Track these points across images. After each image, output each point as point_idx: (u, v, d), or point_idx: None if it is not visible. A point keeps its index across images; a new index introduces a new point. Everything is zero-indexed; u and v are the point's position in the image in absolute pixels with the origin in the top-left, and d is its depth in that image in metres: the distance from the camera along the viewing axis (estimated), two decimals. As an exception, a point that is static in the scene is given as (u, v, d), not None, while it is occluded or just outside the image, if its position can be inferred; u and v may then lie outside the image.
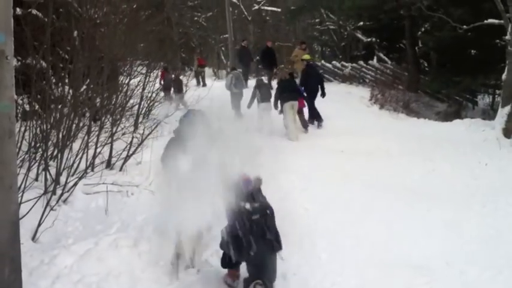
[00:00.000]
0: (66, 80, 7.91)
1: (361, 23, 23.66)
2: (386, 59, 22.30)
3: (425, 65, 21.53)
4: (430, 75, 19.62)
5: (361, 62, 21.79)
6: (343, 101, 15.80)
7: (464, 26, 13.93)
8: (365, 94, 17.94)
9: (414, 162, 9.57)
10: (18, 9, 9.15)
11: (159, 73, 15.41)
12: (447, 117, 16.17)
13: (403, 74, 20.60)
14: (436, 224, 6.14)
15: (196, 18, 44.43)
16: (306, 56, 14.69)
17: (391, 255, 5.06)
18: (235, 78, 14.05)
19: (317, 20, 31.02)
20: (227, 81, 14.24)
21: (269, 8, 38.30)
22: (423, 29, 20.13)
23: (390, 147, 11.02)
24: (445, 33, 16.02)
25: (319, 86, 13.13)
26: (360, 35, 24.64)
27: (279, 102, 11.87)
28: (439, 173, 8.91)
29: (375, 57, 22.37)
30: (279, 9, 35.05)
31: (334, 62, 22.41)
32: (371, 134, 12.37)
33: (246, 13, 39.78)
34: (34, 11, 8.73)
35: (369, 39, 23.69)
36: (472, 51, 16.87)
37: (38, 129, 7.05)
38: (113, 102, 9.30)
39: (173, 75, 17.07)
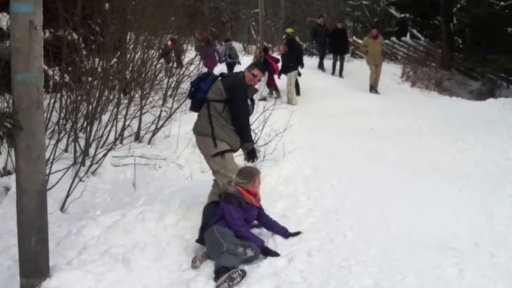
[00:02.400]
0: (97, 53, 7.94)
1: (395, -1, 23.19)
2: (419, 35, 21.85)
3: (460, 42, 20.99)
4: (464, 52, 19.14)
5: (394, 39, 21.41)
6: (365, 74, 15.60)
7: (502, 3, 13.51)
8: (397, 71, 17.65)
9: (445, 142, 9.39)
10: (49, -19, 9.20)
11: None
12: (481, 96, 15.82)
13: (437, 51, 20.15)
14: (466, 205, 6.01)
15: (227, -7, 44.13)
16: (289, 30, 16.91)
17: (419, 235, 4.97)
18: (229, 49, 16.11)
19: (350, -5, 30.47)
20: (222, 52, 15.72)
21: (301, -18, 37.79)
22: (458, 5, 19.60)
23: (421, 126, 10.86)
24: (482, 10, 15.59)
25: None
26: (393, 11, 24.15)
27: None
28: (471, 153, 8.73)
29: (408, 34, 21.94)
30: (311, -16, 34.50)
31: (365, 38, 22.02)
32: (401, 112, 12.21)
33: (277, -13, 39.35)
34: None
35: (402, 15, 23.21)
36: (509, 28, 16.37)
37: (68, 100, 7.09)
38: (143, 75, 9.32)
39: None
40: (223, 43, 17.08)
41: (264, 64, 12.66)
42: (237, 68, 14.37)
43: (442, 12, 19.19)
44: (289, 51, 13.62)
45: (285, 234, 4.92)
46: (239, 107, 5.26)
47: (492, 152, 8.65)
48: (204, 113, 5.33)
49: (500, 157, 8.35)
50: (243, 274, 4.13)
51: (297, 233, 4.95)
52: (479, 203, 6.11)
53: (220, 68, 13.75)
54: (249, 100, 5.42)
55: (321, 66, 18.40)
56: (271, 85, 13.73)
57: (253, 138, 5.41)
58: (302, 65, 14.05)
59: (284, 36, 15.82)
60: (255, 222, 5.03)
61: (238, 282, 4.07)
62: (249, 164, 5.47)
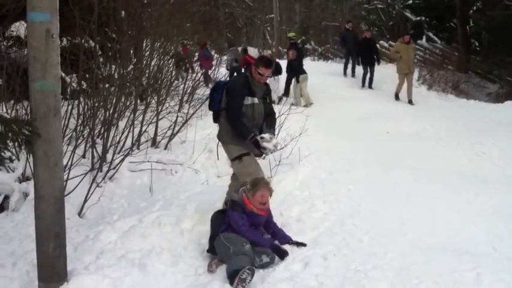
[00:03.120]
0: (114, 59, 8.02)
1: (410, 2, 23.07)
2: (435, 38, 21.71)
3: (476, 44, 20.83)
4: (481, 55, 19.00)
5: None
6: (389, 82, 15.49)
7: (518, 5, 13.40)
8: (413, 75, 17.51)
9: (463, 146, 9.33)
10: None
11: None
12: (498, 98, 15.64)
13: (453, 54, 20.02)
14: (483, 209, 5.96)
15: (242, -2, 44.32)
16: (291, 34, 16.81)
17: (436, 240, 4.94)
18: (234, 54, 16.34)
19: (365, -1, 30.42)
20: (228, 57, 16.02)
21: (316, -13, 37.84)
22: (475, 8, 19.47)
23: (438, 129, 10.79)
24: (498, 12, 15.48)
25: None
26: (408, 14, 24.01)
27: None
28: (489, 156, 8.66)
29: (424, 37, 21.81)
30: (326, -12, 34.52)
31: (381, 42, 21.95)
32: (418, 116, 12.14)
33: (292, -8, 39.44)
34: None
35: (418, 18, 23.07)
36: (526, 31, 16.21)
37: (86, 107, 7.17)
38: (159, 81, 9.39)
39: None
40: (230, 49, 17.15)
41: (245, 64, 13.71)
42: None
43: (458, 15, 19.06)
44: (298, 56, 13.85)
45: (288, 242, 4.89)
46: (229, 108, 5.30)
47: (510, 155, 8.56)
48: (221, 121, 5.48)
49: (518, 160, 8.26)
50: (252, 272, 4.15)
51: (301, 244, 4.87)
52: (497, 206, 6.05)
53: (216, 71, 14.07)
54: (255, 99, 5.33)
55: (346, 71, 18.15)
56: None
57: (250, 132, 5.18)
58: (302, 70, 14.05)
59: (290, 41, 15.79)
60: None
61: (250, 280, 4.11)
62: (261, 160, 5.41)
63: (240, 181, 5.25)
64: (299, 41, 19.48)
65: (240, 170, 5.38)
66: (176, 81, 11.27)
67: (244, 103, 5.26)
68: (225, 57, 16.77)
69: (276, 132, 7.60)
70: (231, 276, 4.18)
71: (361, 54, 16.41)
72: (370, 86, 16.17)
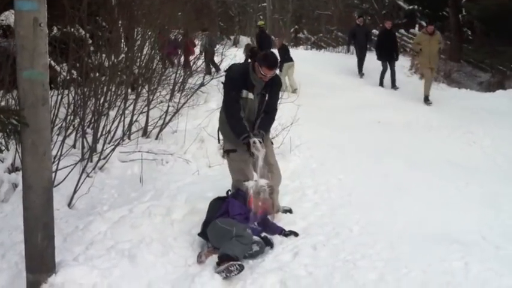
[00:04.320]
0: (104, 49, 7.97)
1: (403, -10, 23.06)
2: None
3: (469, 33, 20.85)
4: (474, 44, 19.06)
5: (402, 31, 21.25)
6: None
7: (511, -6, 13.42)
8: (405, 63, 17.52)
9: (454, 135, 9.37)
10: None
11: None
12: (490, 87, 15.71)
13: (446, 43, 20.01)
14: (474, 198, 5.99)
15: (234, -13, 44.13)
16: (261, 23, 17.32)
17: (425, 229, 4.96)
18: (209, 39, 15.85)
19: (358, -12, 30.37)
20: (202, 42, 15.70)
21: (309, -25, 37.69)
22: (467, -3, 19.46)
23: (429, 118, 10.83)
24: (490, 1, 15.47)
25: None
26: (401, 3, 24.03)
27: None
28: (480, 146, 8.70)
29: (417, 26, 21.79)
30: (319, -23, 34.36)
31: (374, 31, 21.90)
32: (410, 105, 12.16)
33: (285, -19, 39.30)
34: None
35: (411, 7, 23.08)
36: (518, 20, 16.24)
37: (76, 96, 7.12)
38: (151, 70, 9.34)
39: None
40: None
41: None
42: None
43: (450, 4, 19.07)
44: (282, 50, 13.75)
45: (280, 233, 4.92)
46: (224, 99, 5.15)
47: (501, 144, 8.61)
48: (220, 109, 5.37)
49: (509, 149, 8.30)
50: (241, 268, 4.15)
51: (293, 233, 4.90)
52: (488, 195, 6.08)
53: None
54: (250, 94, 5.05)
55: (360, 71, 16.47)
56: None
57: (244, 131, 4.97)
58: None
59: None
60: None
61: (235, 275, 4.11)
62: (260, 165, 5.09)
63: (231, 176, 5.27)
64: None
65: (228, 164, 5.36)
66: (168, 70, 11.20)
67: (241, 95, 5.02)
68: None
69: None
70: (221, 259, 4.21)
71: (380, 48, 14.56)
72: (393, 86, 14.46)
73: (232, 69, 5.28)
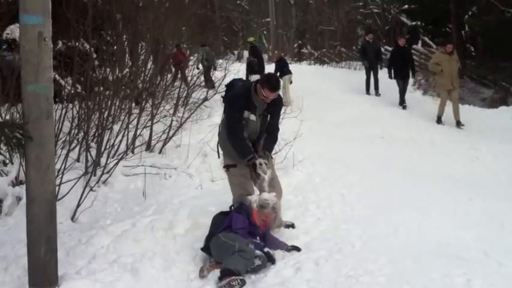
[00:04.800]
0: (109, 62, 8.02)
1: (406, 6, 23.16)
2: (431, 43, 21.76)
3: (472, 49, 20.90)
4: (476, 60, 19.06)
5: (406, 46, 21.29)
6: (383, 87, 15.48)
7: (513, 10, 13.47)
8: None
9: (457, 150, 9.37)
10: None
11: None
12: (493, 103, 15.68)
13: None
14: (476, 214, 5.97)
15: (238, 2, 44.44)
16: (251, 39, 17.52)
17: (428, 245, 4.94)
18: (206, 53, 15.91)
19: (361, 3, 30.60)
20: (199, 56, 15.63)
21: (312, -9, 37.93)
22: (470, 13, 19.51)
23: (432, 134, 10.83)
24: (493, 17, 15.55)
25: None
26: (404, 19, 24.13)
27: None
28: (483, 161, 8.71)
29: (420, 42, 21.87)
30: (322, -8, 34.59)
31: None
32: (413, 121, 12.17)
33: (288, -4, 39.53)
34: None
35: (414, 23, 23.16)
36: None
37: (81, 110, 7.15)
38: (155, 85, 9.39)
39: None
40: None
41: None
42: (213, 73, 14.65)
43: (453, 20, 19.11)
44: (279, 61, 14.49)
45: (283, 248, 4.92)
46: (227, 121, 5.15)
47: (504, 160, 8.63)
48: (220, 125, 5.41)
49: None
50: (242, 283, 4.18)
51: (296, 248, 4.90)
52: (490, 211, 6.07)
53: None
54: (251, 115, 5.05)
55: (368, 89, 16.10)
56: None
57: (249, 152, 4.99)
58: (263, 71, 14.29)
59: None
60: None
61: None
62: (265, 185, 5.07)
63: (231, 191, 5.31)
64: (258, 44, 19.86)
65: (228, 179, 5.37)
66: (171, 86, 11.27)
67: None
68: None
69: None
70: (223, 274, 4.24)
71: (394, 66, 13.93)
72: (401, 103, 14.04)
73: (233, 89, 5.32)
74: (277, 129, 5.44)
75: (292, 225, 5.49)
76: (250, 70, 14.45)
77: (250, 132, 5.13)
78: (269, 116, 5.19)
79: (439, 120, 12.07)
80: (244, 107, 5.01)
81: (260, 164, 4.96)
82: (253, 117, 5.05)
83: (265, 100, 4.98)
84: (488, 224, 5.61)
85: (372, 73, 16.01)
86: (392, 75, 14.07)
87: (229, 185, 5.41)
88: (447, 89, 12.04)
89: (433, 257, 4.56)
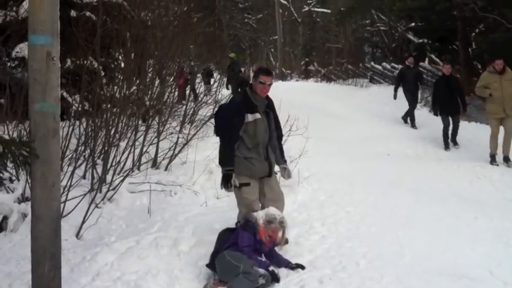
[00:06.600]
0: (117, 81, 8.11)
1: (413, 24, 23.23)
2: (438, 60, 21.81)
3: (479, 67, 20.90)
4: (483, 77, 19.03)
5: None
6: (391, 104, 15.51)
7: (520, 28, 13.51)
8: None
9: (463, 168, 9.33)
10: (72, 12, 9.48)
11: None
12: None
13: (455, 77, 20.09)
14: (482, 233, 5.94)
15: (246, 20, 44.78)
16: (232, 55, 17.82)
17: (433, 263, 4.92)
18: (206, 73, 16.37)
19: (367, 21, 30.73)
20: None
21: (319, 10, 38.21)
22: (477, 30, 19.57)
23: (439, 151, 10.80)
24: (499, 35, 15.57)
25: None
26: (411, 36, 24.19)
27: None
28: (489, 179, 8.66)
29: (427, 59, 21.92)
30: (329, 11, 34.79)
31: (384, 64, 22.07)
32: (419, 138, 12.15)
33: (295, 15, 39.79)
34: (88, 13, 9.01)
35: (421, 41, 23.20)
36: (527, 53, 16.27)
37: (88, 128, 7.21)
38: (162, 102, 9.46)
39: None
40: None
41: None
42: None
43: (460, 37, 19.15)
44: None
45: (287, 265, 4.90)
46: (222, 124, 5.26)
47: (510, 178, 8.56)
48: None
49: (519, 183, 8.26)
50: None
51: (300, 266, 4.88)
52: (496, 230, 6.03)
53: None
54: (256, 114, 5.16)
55: (414, 120, 14.07)
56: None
57: (230, 163, 5.10)
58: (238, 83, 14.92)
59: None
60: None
61: None
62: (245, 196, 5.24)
63: (238, 208, 5.31)
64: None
65: (237, 197, 5.36)
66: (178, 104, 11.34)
67: (246, 121, 5.11)
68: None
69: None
70: None
71: (439, 99, 11.51)
72: (453, 141, 11.43)
73: (231, 100, 5.72)
74: (280, 125, 5.67)
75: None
76: (240, 86, 14.64)
77: (259, 134, 5.21)
78: (271, 112, 5.41)
79: (493, 160, 9.64)
80: (245, 111, 5.15)
81: (235, 179, 5.09)
82: (258, 115, 5.19)
83: (264, 88, 5.17)
84: (494, 243, 5.58)
85: (410, 101, 13.98)
86: (438, 112, 11.62)
87: (236, 201, 5.41)
88: (498, 118, 9.78)
89: (438, 276, 4.54)
